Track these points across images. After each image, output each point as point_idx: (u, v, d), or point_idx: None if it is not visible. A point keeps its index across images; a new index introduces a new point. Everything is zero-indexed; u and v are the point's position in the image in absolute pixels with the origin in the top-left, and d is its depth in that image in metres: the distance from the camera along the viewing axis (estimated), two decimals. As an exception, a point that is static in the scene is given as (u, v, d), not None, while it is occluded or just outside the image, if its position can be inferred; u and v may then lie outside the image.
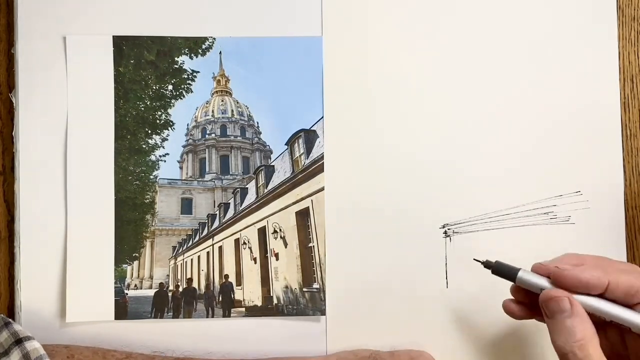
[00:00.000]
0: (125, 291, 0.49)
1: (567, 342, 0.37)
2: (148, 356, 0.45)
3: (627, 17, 0.51)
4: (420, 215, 0.49)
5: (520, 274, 0.40)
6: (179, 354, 0.47)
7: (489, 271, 0.43)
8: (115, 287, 0.48)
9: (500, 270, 0.42)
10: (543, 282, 0.39)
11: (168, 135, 0.49)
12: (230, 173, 0.51)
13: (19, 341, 0.40)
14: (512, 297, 0.42)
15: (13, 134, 0.48)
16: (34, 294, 0.47)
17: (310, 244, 0.49)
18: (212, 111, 0.51)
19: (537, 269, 0.40)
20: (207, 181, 0.51)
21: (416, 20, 0.50)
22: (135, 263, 0.49)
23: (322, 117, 0.49)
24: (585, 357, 0.36)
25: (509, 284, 0.44)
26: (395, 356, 0.45)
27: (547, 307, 0.38)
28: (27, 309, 0.47)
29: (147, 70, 0.49)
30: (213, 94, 0.50)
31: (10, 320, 0.42)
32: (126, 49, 0.49)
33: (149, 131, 0.49)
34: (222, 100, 0.50)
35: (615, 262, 0.41)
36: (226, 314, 0.49)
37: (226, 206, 0.51)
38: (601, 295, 0.38)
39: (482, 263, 0.43)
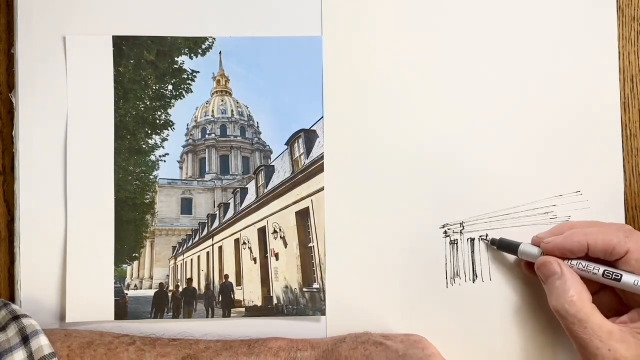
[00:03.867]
0: (125, 291, 0.49)
1: (558, 300, 0.42)
2: (144, 336, 0.45)
3: (627, 17, 0.51)
4: (420, 215, 0.49)
5: (521, 247, 0.46)
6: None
7: (490, 271, 0.49)
8: (115, 287, 0.48)
9: (504, 245, 0.48)
10: (538, 252, 0.45)
11: (168, 135, 0.49)
12: (230, 173, 0.51)
13: (16, 317, 0.41)
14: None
15: (13, 134, 0.48)
16: (34, 294, 0.47)
17: (310, 244, 0.49)
18: (212, 111, 0.51)
19: (534, 242, 0.46)
20: (207, 181, 0.51)
21: (416, 20, 0.50)
22: (135, 263, 0.49)
23: (322, 117, 0.49)
24: (577, 312, 0.41)
25: (509, 282, 0.49)
26: (388, 336, 0.45)
27: (541, 273, 0.44)
28: (27, 309, 0.46)
29: (147, 70, 0.49)
30: (213, 93, 0.50)
31: (9, 302, 0.43)
32: (126, 48, 0.49)
33: (149, 131, 0.49)
34: (222, 100, 0.50)
35: (604, 224, 0.45)
36: (226, 314, 0.49)
37: (226, 206, 0.51)
38: (588, 257, 0.43)
39: (489, 241, 0.48)
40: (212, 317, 0.49)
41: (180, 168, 0.50)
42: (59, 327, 0.47)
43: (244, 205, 0.51)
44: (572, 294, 0.41)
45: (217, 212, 0.51)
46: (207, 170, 0.51)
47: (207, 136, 0.51)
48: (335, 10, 0.49)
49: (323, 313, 0.48)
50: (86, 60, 0.48)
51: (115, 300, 0.48)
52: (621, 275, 0.42)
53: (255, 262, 0.50)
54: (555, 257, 0.44)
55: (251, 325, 0.49)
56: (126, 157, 0.49)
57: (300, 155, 0.50)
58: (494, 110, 0.50)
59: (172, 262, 0.50)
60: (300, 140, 0.49)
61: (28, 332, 0.40)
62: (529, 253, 0.46)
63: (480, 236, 0.49)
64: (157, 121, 0.49)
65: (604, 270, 0.42)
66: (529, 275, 0.47)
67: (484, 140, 0.50)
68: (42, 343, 0.40)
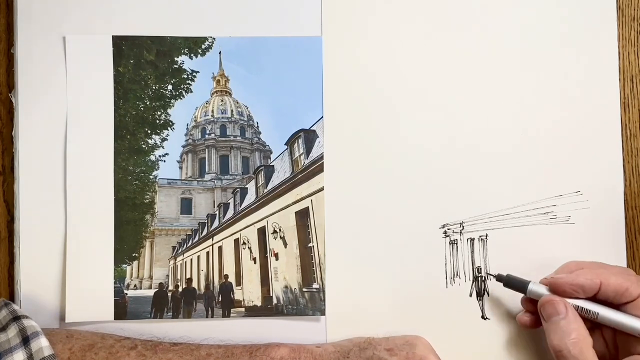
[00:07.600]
0: (125, 291, 0.49)
1: (561, 341, 0.42)
2: (145, 340, 0.45)
3: (627, 17, 0.51)
4: (420, 215, 0.49)
5: (530, 286, 0.45)
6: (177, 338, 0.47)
7: (489, 270, 0.49)
8: (114, 287, 0.48)
9: (511, 283, 0.46)
10: (545, 290, 0.44)
11: (168, 135, 0.49)
12: (230, 173, 0.51)
13: (16, 318, 0.41)
14: (523, 309, 0.46)
15: (13, 134, 0.48)
16: (34, 294, 0.47)
17: (310, 244, 0.49)
18: (212, 111, 0.51)
19: (542, 282, 0.45)
20: (206, 181, 0.51)
21: (416, 20, 0.50)
22: (135, 263, 0.49)
23: (322, 117, 0.49)
24: (578, 354, 0.41)
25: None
26: (391, 340, 0.45)
27: (545, 311, 0.44)
28: (27, 309, 0.46)
29: (147, 70, 0.49)
30: (213, 94, 0.50)
31: (10, 302, 0.43)
32: (126, 48, 0.49)
33: (149, 131, 0.49)
34: (222, 100, 0.50)
35: (610, 266, 0.45)
36: (226, 314, 0.49)
37: (226, 206, 0.51)
38: (595, 299, 0.43)
39: (495, 277, 0.47)
40: (212, 317, 0.49)
41: (180, 168, 0.50)
42: (60, 328, 0.47)
43: (243, 205, 0.51)
44: (575, 336, 0.41)
45: (217, 212, 0.51)
46: (207, 170, 0.51)
47: (207, 136, 0.51)
48: (335, 10, 0.49)
49: (323, 313, 0.48)
50: (86, 60, 0.48)
51: (115, 300, 0.48)
52: (597, 313, 0.42)
53: (255, 262, 0.50)
54: (559, 297, 0.43)
55: (251, 325, 0.49)
56: (126, 157, 0.49)
57: (300, 155, 0.50)
58: (493, 110, 0.50)
59: (171, 262, 0.50)
60: (300, 140, 0.49)
61: (28, 333, 0.40)
62: (540, 293, 0.44)
63: (487, 272, 0.49)
64: (157, 121, 0.49)
65: (598, 314, 0.43)
66: (529, 324, 0.46)
67: (484, 140, 0.50)
68: (42, 344, 0.39)
